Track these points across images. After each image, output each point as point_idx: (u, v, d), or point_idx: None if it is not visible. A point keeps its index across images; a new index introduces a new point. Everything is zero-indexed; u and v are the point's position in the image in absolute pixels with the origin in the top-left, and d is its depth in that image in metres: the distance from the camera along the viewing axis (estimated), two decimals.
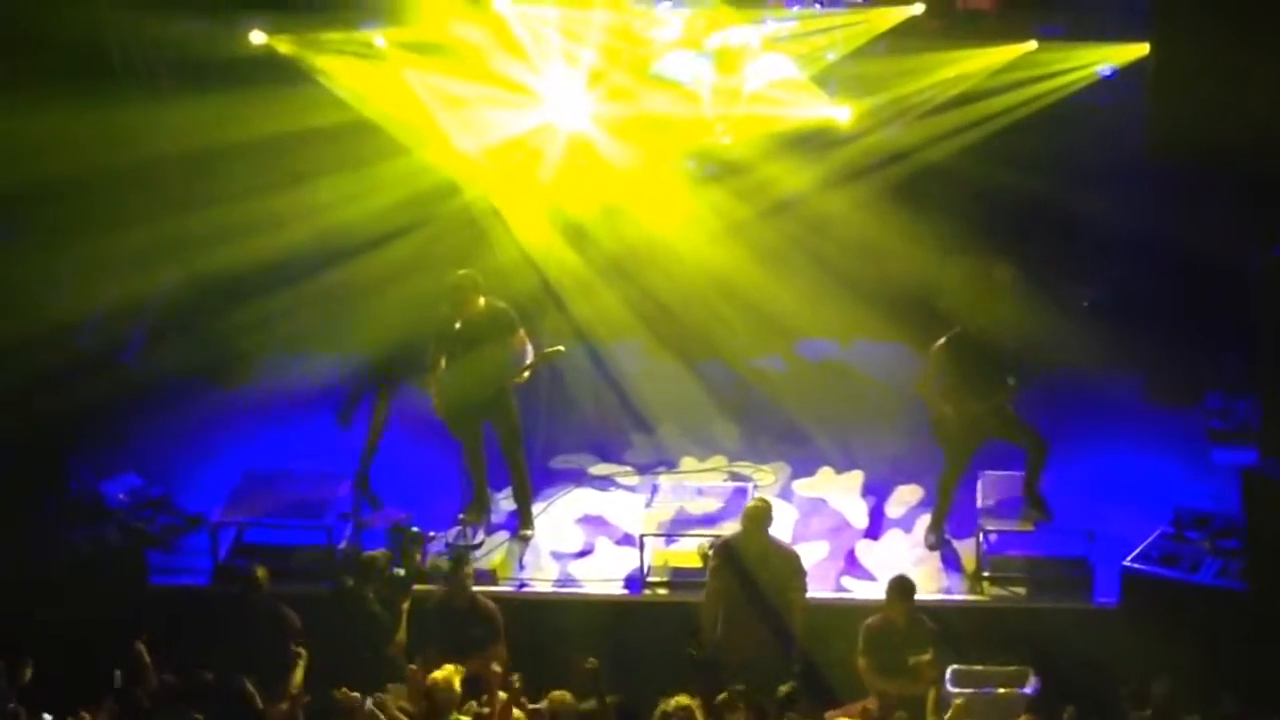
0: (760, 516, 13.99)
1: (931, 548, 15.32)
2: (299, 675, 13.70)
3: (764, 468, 16.42)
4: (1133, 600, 14.45)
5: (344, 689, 12.75)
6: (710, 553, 14.32)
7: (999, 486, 15.30)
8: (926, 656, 13.30)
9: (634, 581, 15.14)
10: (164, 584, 15.24)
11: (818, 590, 14.69)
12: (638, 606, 15.00)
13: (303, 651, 13.79)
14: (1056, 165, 16.93)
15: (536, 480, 16.01)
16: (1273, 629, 13.91)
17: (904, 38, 17.41)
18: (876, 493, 16.11)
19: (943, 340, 14.83)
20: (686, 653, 13.61)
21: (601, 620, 14.77)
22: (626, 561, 15.27)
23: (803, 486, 16.23)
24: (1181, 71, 15.99)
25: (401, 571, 14.38)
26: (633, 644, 14.52)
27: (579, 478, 16.41)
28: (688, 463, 16.55)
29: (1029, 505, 15.04)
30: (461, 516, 15.63)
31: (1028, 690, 13.55)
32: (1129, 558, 14.49)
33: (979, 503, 15.20)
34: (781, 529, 15.19)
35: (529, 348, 15.26)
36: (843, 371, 17.55)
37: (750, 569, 13.90)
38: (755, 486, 15.84)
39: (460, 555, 14.45)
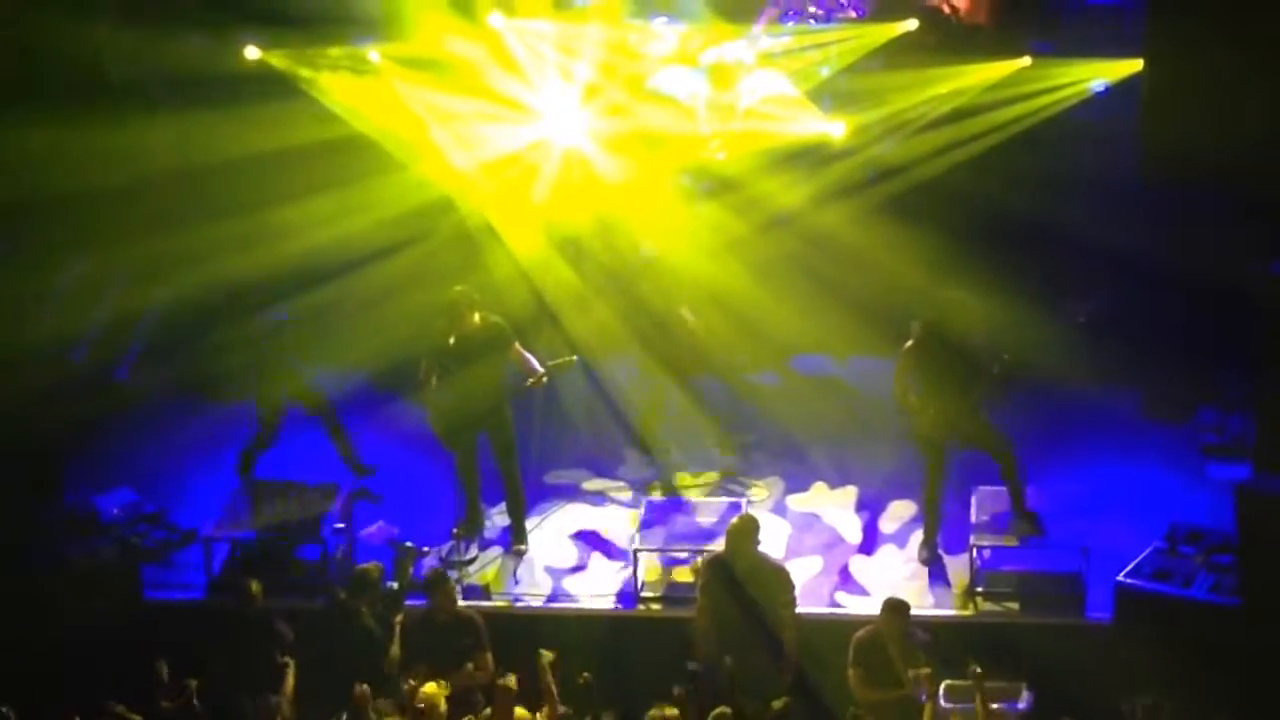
0: (747, 532, 13.98)
1: (925, 563, 15.32)
2: (289, 684, 13.69)
3: (758, 483, 16.41)
4: (1126, 615, 14.42)
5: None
6: (699, 568, 14.31)
7: (992, 501, 15.27)
8: (926, 670, 13.27)
9: (627, 596, 15.14)
10: (158, 598, 15.22)
11: (812, 606, 14.71)
12: (631, 621, 14.98)
13: (290, 661, 13.78)
14: (1052, 181, 16.95)
15: (531, 495, 16.01)
16: (1267, 644, 13.90)
17: (898, 53, 17.45)
18: (870, 508, 16.09)
19: (911, 342, 14.87)
20: (686, 666, 13.59)
21: (595, 635, 14.73)
22: (620, 577, 15.27)
23: (796, 502, 16.21)
24: (1175, 89, 16.04)
25: (395, 586, 14.41)
26: (626, 659, 14.50)
27: (573, 493, 16.41)
28: (682, 478, 16.54)
29: (1018, 519, 15.05)
30: (455, 531, 15.59)
31: (1021, 705, 13.54)
32: (1122, 573, 14.48)
33: (972, 518, 15.19)
34: (775, 544, 15.20)
35: (529, 360, 15.26)
36: (837, 387, 17.53)
37: (739, 584, 13.89)
38: (749, 502, 15.84)
39: (439, 571, 14.39)
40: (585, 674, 13.17)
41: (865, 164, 17.36)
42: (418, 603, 14.25)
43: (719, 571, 14.00)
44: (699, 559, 14.68)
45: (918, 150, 17.25)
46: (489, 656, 13.80)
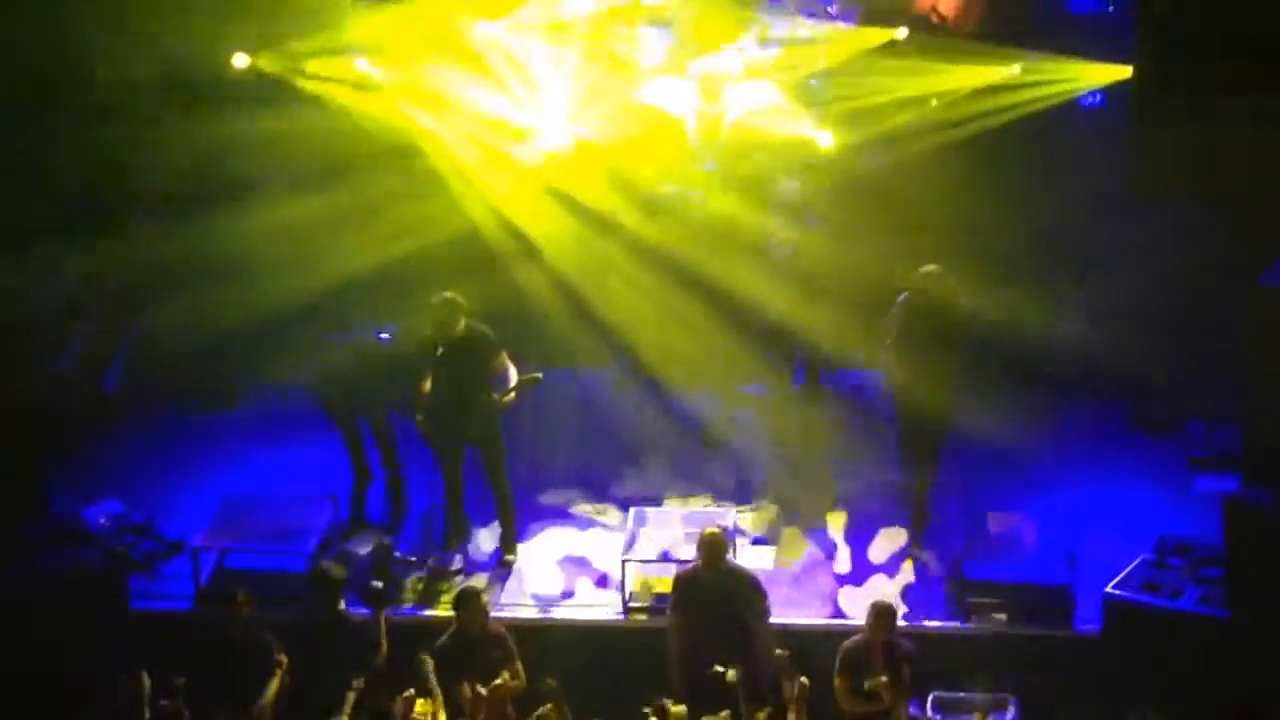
0: (718, 544, 13.94)
1: (916, 556, 15.39)
2: (271, 690, 13.68)
3: (744, 509, 16.18)
4: (1114, 627, 14.44)
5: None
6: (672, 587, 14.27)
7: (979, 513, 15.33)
8: (883, 678, 13.30)
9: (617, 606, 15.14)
10: (145, 609, 15.18)
11: (804, 617, 14.82)
12: (619, 632, 14.98)
13: (281, 662, 13.75)
14: (1041, 192, 16.99)
15: (524, 515, 15.90)
16: (1254, 656, 13.92)
17: (886, 60, 17.40)
18: (860, 536, 15.82)
19: (902, 298, 15.21)
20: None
21: (582, 645, 14.76)
22: (607, 599, 15.22)
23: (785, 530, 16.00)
24: (1163, 99, 16.07)
25: (380, 584, 14.38)
26: (614, 669, 14.50)
27: (562, 515, 16.20)
28: (672, 502, 16.31)
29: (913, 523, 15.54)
30: (442, 540, 15.62)
31: (1008, 717, 13.56)
32: (1110, 585, 14.49)
33: (960, 529, 15.28)
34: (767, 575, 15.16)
35: (511, 371, 15.26)
36: (830, 398, 17.48)
37: (713, 596, 13.87)
38: (737, 526, 15.66)
39: (471, 588, 14.25)
40: (549, 680, 13.21)
41: (853, 175, 17.33)
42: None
43: (691, 586, 13.99)
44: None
45: (906, 161, 17.26)
46: (519, 666, 13.79)
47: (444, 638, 13.82)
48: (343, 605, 14.03)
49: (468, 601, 13.86)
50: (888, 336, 15.30)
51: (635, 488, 16.54)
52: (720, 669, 13.31)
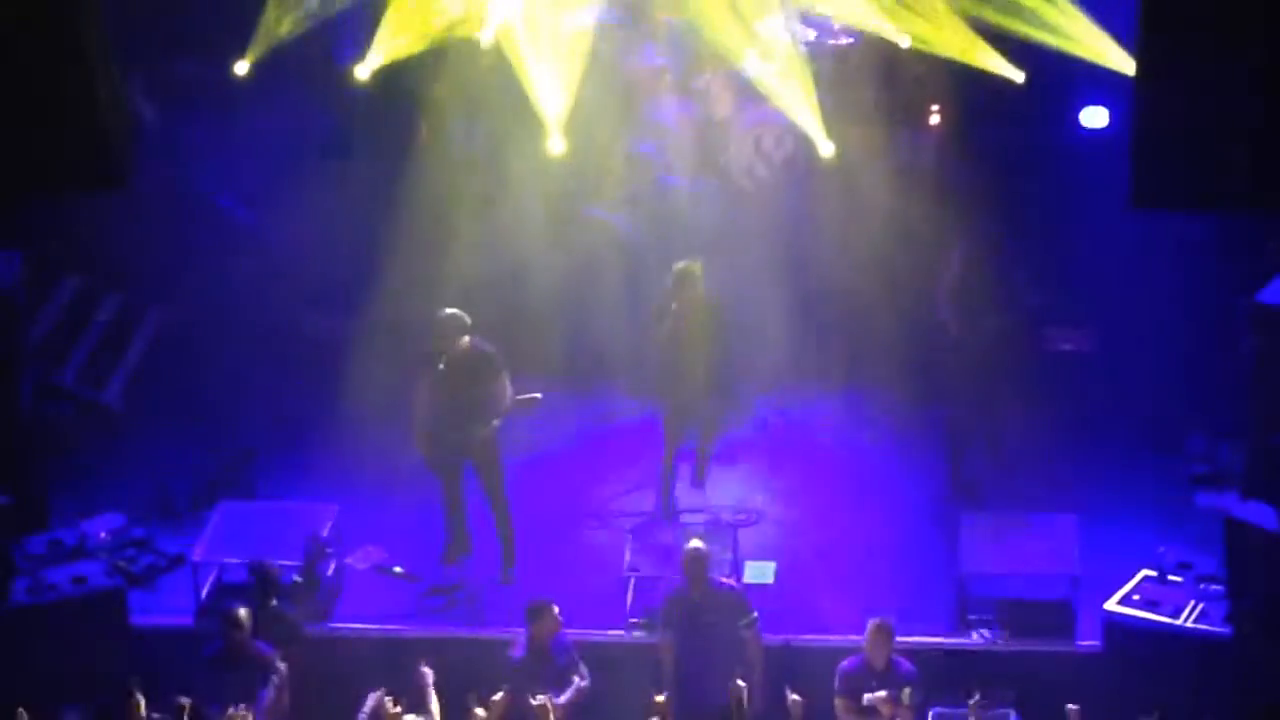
0: (700, 560, 13.96)
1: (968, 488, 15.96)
2: (270, 702, 13.69)
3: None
4: (1115, 644, 14.46)
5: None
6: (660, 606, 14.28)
7: (981, 529, 15.29)
8: (882, 694, 13.31)
9: (620, 622, 15.12)
10: (145, 624, 15.15)
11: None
12: (621, 648, 14.93)
13: (282, 670, 13.77)
14: (1041, 208, 17.01)
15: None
16: (1255, 674, 13.93)
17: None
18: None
19: (956, 252, 16.04)
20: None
21: (585, 662, 14.71)
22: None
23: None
24: (1166, 115, 16.02)
25: (300, 579, 14.43)
26: (617, 684, 14.44)
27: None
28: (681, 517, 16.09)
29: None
30: (443, 557, 15.61)
31: None
32: (1111, 601, 14.49)
33: (961, 545, 15.18)
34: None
35: (509, 391, 15.25)
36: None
37: (700, 612, 13.92)
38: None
39: (543, 601, 13.95)
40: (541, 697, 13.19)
41: (854, 191, 17.31)
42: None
43: (679, 603, 14.05)
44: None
45: (905, 176, 17.26)
46: (584, 668, 13.83)
47: (514, 649, 13.81)
48: (275, 603, 14.13)
49: (540, 612, 13.82)
50: (949, 282, 15.94)
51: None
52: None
